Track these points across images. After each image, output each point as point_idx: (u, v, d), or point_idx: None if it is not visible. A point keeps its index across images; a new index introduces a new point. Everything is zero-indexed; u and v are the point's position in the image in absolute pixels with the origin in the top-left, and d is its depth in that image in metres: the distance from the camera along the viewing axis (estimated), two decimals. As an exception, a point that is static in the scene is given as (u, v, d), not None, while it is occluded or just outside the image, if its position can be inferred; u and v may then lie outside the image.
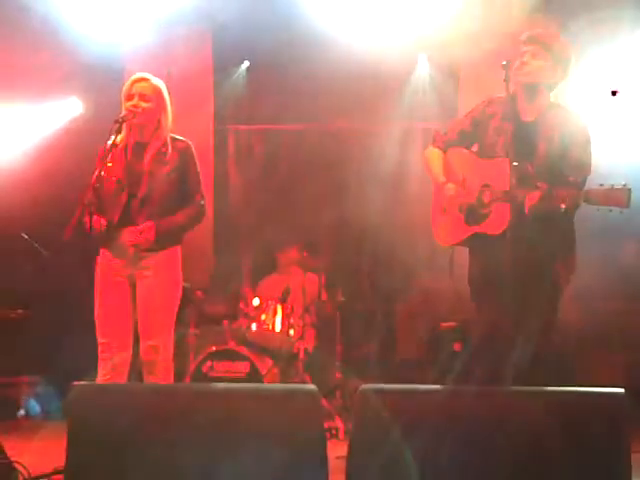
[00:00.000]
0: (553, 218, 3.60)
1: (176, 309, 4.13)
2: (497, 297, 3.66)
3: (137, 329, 4.05)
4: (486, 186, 3.74)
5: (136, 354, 4.06)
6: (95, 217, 3.89)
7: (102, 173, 3.88)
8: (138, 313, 4.03)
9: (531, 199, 3.53)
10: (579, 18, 6.14)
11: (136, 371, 4.12)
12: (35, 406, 6.17)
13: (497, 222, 3.64)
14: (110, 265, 4.03)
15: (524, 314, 3.57)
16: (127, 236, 3.98)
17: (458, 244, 3.92)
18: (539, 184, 3.57)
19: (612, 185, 3.40)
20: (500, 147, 3.78)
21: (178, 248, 4.13)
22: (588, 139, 3.77)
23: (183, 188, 4.10)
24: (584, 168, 3.71)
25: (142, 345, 4.01)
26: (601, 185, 3.42)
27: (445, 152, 4.01)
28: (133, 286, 4.05)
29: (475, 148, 3.96)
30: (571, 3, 6.30)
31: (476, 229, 3.77)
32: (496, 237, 3.63)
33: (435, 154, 4.04)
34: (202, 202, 4.15)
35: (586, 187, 3.50)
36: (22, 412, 6.14)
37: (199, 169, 4.18)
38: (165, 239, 4.00)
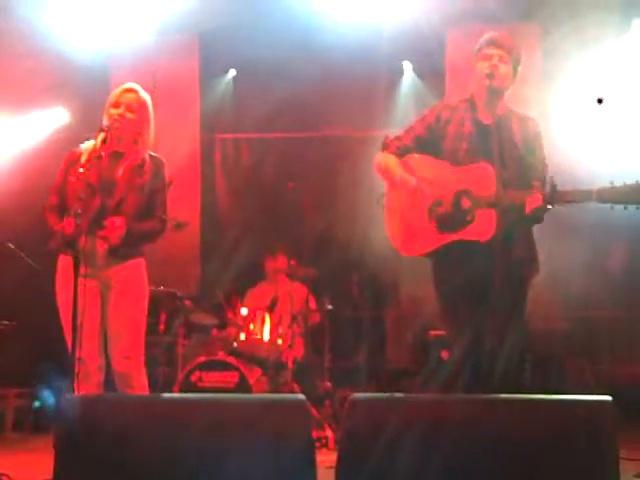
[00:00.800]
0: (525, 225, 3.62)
1: (144, 319, 4.12)
2: (477, 306, 3.65)
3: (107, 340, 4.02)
4: (463, 192, 3.68)
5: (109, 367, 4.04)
6: (66, 220, 3.80)
7: (71, 178, 3.87)
8: (108, 324, 4.01)
9: (534, 201, 3.50)
10: (563, 24, 6.18)
11: (110, 384, 4.07)
12: (50, 396, 6.10)
13: (482, 229, 3.58)
14: (74, 274, 3.79)
15: (501, 320, 3.56)
16: (96, 241, 3.94)
17: (427, 254, 3.78)
18: (536, 184, 3.57)
19: (624, 182, 3.40)
20: (464, 152, 3.73)
21: (141, 260, 4.14)
22: (542, 142, 3.79)
23: (150, 203, 4.11)
24: (544, 170, 3.72)
25: (115, 357, 3.99)
26: (612, 183, 3.42)
27: (401, 158, 3.87)
28: (102, 296, 4.02)
29: (430, 154, 3.85)
30: (555, 9, 6.33)
31: (455, 237, 3.67)
32: (477, 245, 3.58)
33: (391, 159, 3.88)
34: (164, 218, 4.18)
35: (596, 187, 3.47)
36: (37, 403, 6.08)
37: (167, 188, 4.21)
38: (132, 240, 3.98)
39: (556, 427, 2.62)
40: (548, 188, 3.51)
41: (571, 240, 5.26)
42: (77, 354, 3.90)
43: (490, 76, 3.69)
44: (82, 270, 3.90)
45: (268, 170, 7.61)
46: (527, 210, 3.51)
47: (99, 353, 4.00)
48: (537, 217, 3.63)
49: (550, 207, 3.51)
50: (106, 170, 4.03)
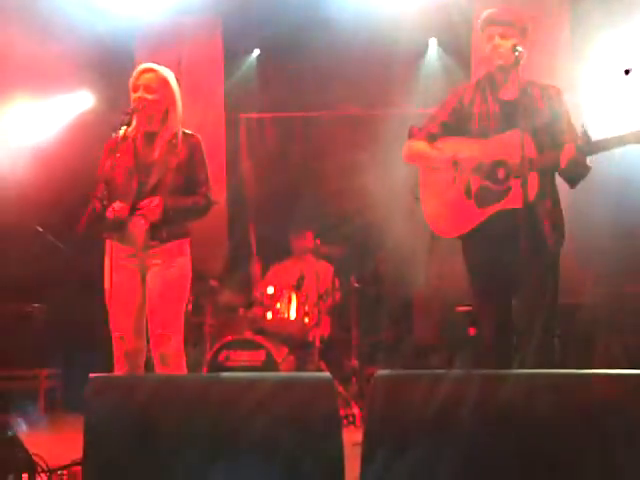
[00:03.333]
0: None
1: (186, 300, 4.14)
2: (508, 281, 3.64)
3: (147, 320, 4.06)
4: (498, 163, 3.68)
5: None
6: (109, 207, 3.92)
7: (113, 164, 3.90)
8: (147, 303, 4.03)
9: (567, 153, 3.52)
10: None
11: (150, 362, 4.12)
12: (22, 423, 6.15)
13: (520, 195, 3.54)
14: (119, 256, 4.02)
15: (533, 296, 3.55)
16: (138, 223, 3.98)
17: (469, 232, 3.78)
18: (568, 139, 3.58)
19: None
20: (494, 130, 3.75)
21: (187, 241, 4.12)
22: (568, 110, 3.79)
23: (191, 180, 4.09)
24: (574, 134, 3.68)
25: (153, 336, 4.02)
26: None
27: (432, 144, 3.89)
28: (143, 277, 4.05)
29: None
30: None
31: (497, 207, 3.68)
32: (518, 210, 3.55)
33: (420, 144, 3.91)
34: (208, 195, 4.13)
35: (600, 175, 3.48)
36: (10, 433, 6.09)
37: (207, 164, 4.17)
38: (171, 217, 3.98)
39: (587, 402, 2.60)
40: (581, 141, 3.50)
41: (600, 214, 5.21)
42: (118, 334, 3.98)
43: (495, 58, 3.72)
44: (125, 252, 3.98)
45: (293, 149, 7.60)
46: (562, 164, 3.52)
47: (140, 334, 4.04)
48: (576, 173, 3.60)
49: (586, 158, 3.49)
50: (142, 152, 4.06)
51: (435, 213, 3.90)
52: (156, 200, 3.95)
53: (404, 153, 3.99)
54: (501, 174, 3.69)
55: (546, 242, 3.64)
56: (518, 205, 3.55)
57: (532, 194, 3.56)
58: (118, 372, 3.98)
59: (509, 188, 3.65)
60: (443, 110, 3.92)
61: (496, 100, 3.80)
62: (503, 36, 3.73)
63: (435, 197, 3.89)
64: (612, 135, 3.51)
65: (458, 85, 5.73)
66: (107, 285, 4.02)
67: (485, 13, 3.81)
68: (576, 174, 3.66)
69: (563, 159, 3.53)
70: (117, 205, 3.94)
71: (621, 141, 3.46)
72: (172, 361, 4.01)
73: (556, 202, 3.75)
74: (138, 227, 3.99)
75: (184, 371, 4.12)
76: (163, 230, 4.00)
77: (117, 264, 4.00)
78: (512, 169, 3.63)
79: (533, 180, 3.57)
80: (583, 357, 5.74)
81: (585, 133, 3.51)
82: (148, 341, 4.06)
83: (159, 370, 4.01)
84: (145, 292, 4.04)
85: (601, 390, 2.61)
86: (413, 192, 3.98)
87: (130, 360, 3.99)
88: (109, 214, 3.92)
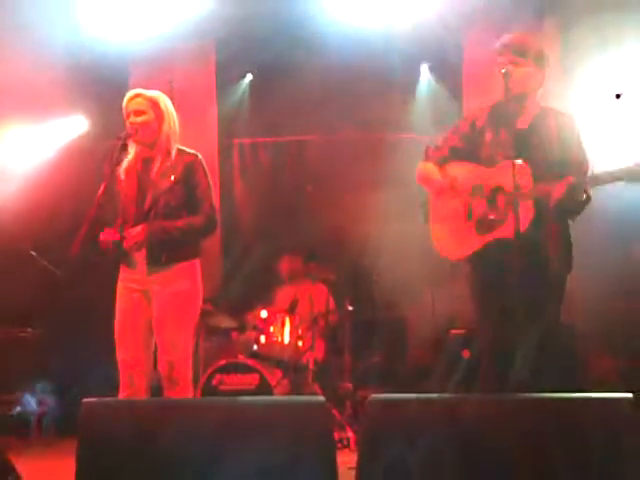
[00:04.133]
0: (560, 218, 3.61)
1: (194, 324, 4.09)
2: (505, 304, 3.65)
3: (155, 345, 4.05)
4: (498, 189, 3.70)
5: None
6: (103, 232, 3.92)
7: (113, 188, 3.94)
8: (154, 329, 4.01)
9: (558, 190, 3.50)
10: (583, 22, 6.15)
11: (156, 387, 4.11)
12: (31, 401, 6.13)
13: (515, 225, 3.56)
14: (126, 280, 4.04)
15: (532, 319, 3.55)
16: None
17: (470, 256, 3.82)
18: (565, 178, 3.55)
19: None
20: (502, 158, 3.74)
21: (193, 263, 4.08)
22: (580, 138, 3.78)
23: (191, 200, 4.06)
24: (583, 166, 3.71)
25: (160, 360, 4.01)
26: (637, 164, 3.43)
27: (441, 167, 3.92)
28: (149, 301, 4.03)
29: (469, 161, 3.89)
30: (575, 6, 6.31)
31: (490, 236, 3.71)
32: (510, 242, 3.56)
33: (430, 167, 3.94)
34: (211, 213, 4.08)
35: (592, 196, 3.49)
36: (18, 408, 6.08)
37: (210, 180, 4.15)
38: (171, 241, 3.96)
39: (576, 426, 2.60)
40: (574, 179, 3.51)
41: (591, 231, 5.23)
42: (122, 358, 3.98)
43: (505, 75, 3.67)
44: (130, 276, 3.99)
45: (286, 173, 7.63)
46: (551, 201, 3.50)
47: (144, 359, 4.02)
48: (568, 209, 3.61)
49: (580, 194, 3.51)
50: (142, 177, 4.06)
51: (442, 235, 3.92)
52: (138, 228, 3.93)
53: (417, 173, 4.02)
54: (500, 202, 3.69)
55: (546, 271, 3.63)
56: (509, 235, 3.57)
57: (524, 224, 3.54)
58: (122, 396, 3.96)
59: (506, 217, 3.66)
60: (454, 134, 3.94)
61: (508, 128, 3.77)
62: (515, 64, 3.71)
63: (441, 220, 3.92)
64: (603, 170, 3.53)
65: (451, 109, 5.78)
66: (117, 310, 4.04)
67: (503, 38, 3.79)
68: (568, 209, 3.66)
69: (553, 196, 3.52)
70: (107, 232, 3.94)
71: (613, 177, 3.46)
72: (179, 386, 3.98)
73: (561, 231, 3.74)
74: (136, 255, 4.00)
75: (191, 394, 4.10)
76: (162, 255, 3.98)
77: (124, 288, 4.04)
78: (510, 198, 3.63)
79: (528, 211, 3.57)
80: (575, 375, 5.73)
81: (579, 170, 3.56)
82: (156, 366, 4.05)
83: (167, 394, 3.99)
84: (151, 316, 4.03)
85: (589, 413, 2.62)
86: (422, 206, 4.00)
87: (134, 384, 3.97)
88: (101, 238, 3.91)
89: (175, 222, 4.00)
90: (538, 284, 3.58)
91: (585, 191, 3.56)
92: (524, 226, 3.54)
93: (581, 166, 3.70)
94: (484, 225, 3.74)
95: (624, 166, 3.44)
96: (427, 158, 3.99)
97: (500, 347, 3.69)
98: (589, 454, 2.55)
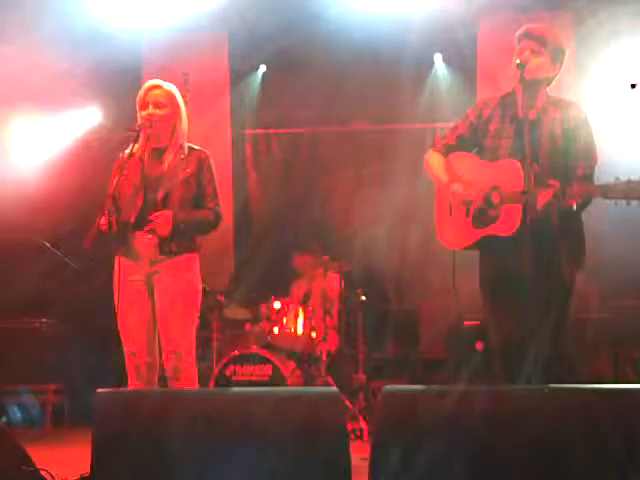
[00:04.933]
0: (564, 216, 3.58)
1: (197, 315, 4.12)
2: (509, 299, 3.66)
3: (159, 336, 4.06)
4: (494, 188, 3.70)
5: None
6: (112, 218, 3.94)
7: (120, 181, 3.92)
8: (158, 319, 4.02)
9: (543, 198, 3.50)
10: (598, 13, 6.12)
11: (162, 377, 4.12)
12: (17, 413, 6.15)
13: (508, 223, 3.61)
14: (127, 271, 4.03)
15: (537, 314, 3.55)
16: (145, 238, 3.98)
17: (467, 248, 3.84)
18: (551, 182, 3.54)
19: (629, 178, 3.36)
20: (504, 149, 3.73)
21: (195, 255, 4.11)
22: (590, 128, 3.73)
23: (199, 195, 4.10)
24: (591, 158, 3.68)
25: (164, 352, 4.01)
26: (617, 179, 3.38)
27: (446, 156, 3.94)
28: (151, 292, 4.04)
29: (474, 152, 3.89)
30: (590, -1, 6.29)
31: (486, 231, 3.72)
32: (507, 238, 3.60)
33: (436, 157, 3.96)
34: (217, 209, 4.13)
35: (603, 182, 3.45)
36: (4, 420, 6.04)
37: (216, 179, 4.17)
38: (181, 230, 3.98)
39: (592, 417, 2.60)
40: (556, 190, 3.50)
41: (606, 228, 5.21)
42: (128, 350, 3.99)
43: (520, 66, 3.64)
44: (132, 267, 3.99)
45: (299, 165, 7.64)
46: (538, 206, 3.50)
47: (150, 350, 4.03)
48: (561, 212, 3.59)
49: (563, 204, 3.50)
50: (149, 168, 4.07)
51: (442, 223, 3.95)
52: (167, 213, 3.96)
53: (424, 161, 4.04)
54: (495, 199, 3.70)
55: (550, 268, 3.61)
56: (502, 233, 3.61)
57: (515, 225, 3.56)
58: (131, 387, 3.97)
59: (499, 214, 3.66)
60: (462, 122, 3.94)
61: (513, 119, 3.75)
62: (534, 51, 3.69)
63: (443, 209, 3.94)
64: (593, 184, 3.52)
65: (465, 100, 5.75)
66: (116, 301, 4.02)
67: (526, 26, 3.77)
68: (563, 214, 3.60)
69: (539, 202, 3.50)
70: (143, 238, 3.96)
71: (605, 191, 3.44)
72: (184, 376, 3.99)
73: (567, 229, 3.68)
74: (145, 242, 3.99)
75: (196, 386, 4.10)
76: (172, 243, 4.00)
77: (125, 280, 4.02)
78: (505, 197, 3.64)
79: (517, 212, 3.56)
80: (591, 371, 5.73)
81: (568, 177, 3.55)
82: (161, 356, 4.06)
83: (172, 385, 4.00)
84: (154, 307, 4.04)
85: (607, 405, 2.61)
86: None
87: (142, 375, 3.99)
88: (102, 226, 3.88)
89: (195, 212, 4.06)
90: (541, 280, 3.56)
91: (576, 197, 3.51)
92: (515, 227, 3.56)
93: (589, 159, 3.68)
94: (481, 219, 3.75)
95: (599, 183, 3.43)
96: (434, 146, 4.01)
97: (509, 340, 3.69)
98: (606, 446, 2.54)
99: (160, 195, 4.01)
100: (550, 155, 3.66)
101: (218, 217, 4.14)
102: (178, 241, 4.01)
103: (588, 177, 3.64)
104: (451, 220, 3.89)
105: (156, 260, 4.00)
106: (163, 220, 3.94)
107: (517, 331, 3.64)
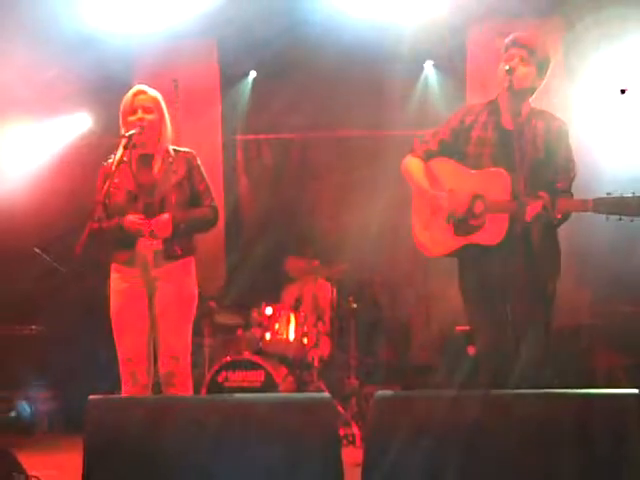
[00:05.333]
0: (546, 227, 3.60)
1: (192, 319, 4.11)
2: (490, 306, 3.68)
3: (155, 341, 4.04)
4: (478, 197, 3.69)
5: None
6: (125, 219, 3.94)
7: (110, 187, 3.89)
8: (156, 324, 4.01)
9: (534, 208, 3.50)
10: (586, 17, 6.14)
11: (156, 383, 4.12)
12: (26, 408, 6.13)
13: (492, 233, 3.61)
14: (124, 277, 4.02)
15: (519, 322, 3.58)
16: (143, 244, 3.97)
17: (447, 255, 3.83)
18: (541, 194, 3.55)
19: (621, 194, 3.39)
20: (486, 157, 3.73)
21: (192, 259, 4.12)
22: (569, 141, 3.75)
23: (194, 195, 4.12)
24: (570, 172, 3.71)
25: (161, 356, 4.01)
26: (608, 194, 3.41)
27: (426, 162, 3.91)
28: (150, 298, 4.03)
29: (455, 158, 3.87)
30: (578, 2, 6.30)
31: (468, 240, 3.72)
32: (490, 247, 3.62)
33: (415, 163, 3.93)
34: (213, 204, 4.15)
35: (594, 196, 3.47)
36: (13, 413, 6.08)
37: (207, 177, 4.19)
38: (181, 231, 3.99)
39: (581, 421, 2.61)
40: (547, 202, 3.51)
41: (597, 235, 5.23)
42: (124, 356, 3.98)
43: (509, 72, 3.66)
44: (130, 274, 3.98)
45: (289, 170, 7.64)
46: (527, 217, 3.51)
47: (147, 356, 4.02)
48: (545, 225, 3.61)
49: (554, 215, 3.51)
50: (140, 174, 4.07)
51: (420, 229, 3.92)
52: (165, 215, 3.96)
53: (402, 167, 4.01)
54: (478, 208, 3.70)
55: (528, 275, 3.62)
56: (486, 242, 3.63)
57: (500, 235, 3.58)
58: (126, 393, 3.96)
59: (483, 223, 3.67)
60: (445, 128, 3.91)
61: (496, 127, 3.76)
62: (522, 60, 3.69)
63: (422, 214, 3.91)
64: (578, 198, 3.55)
65: (454, 107, 5.76)
66: (113, 308, 4.02)
67: (515, 34, 3.77)
68: (545, 225, 3.63)
69: (529, 213, 3.51)
70: (132, 217, 3.94)
71: (584, 206, 3.47)
72: (179, 382, 3.99)
73: (544, 237, 3.68)
74: (147, 247, 3.99)
75: (190, 392, 4.09)
76: (176, 246, 4.00)
77: (122, 286, 4.01)
78: (489, 206, 3.65)
79: (504, 221, 3.58)
80: (583, 377, 5.74)
81: (556, 189, 3.57)
82: (156, 362, 4.05)
83: (166, 391, 4.00)
84: (152, 313, 4.03)
85: (596, 409, 2.62)
86: None
87: (138, 381, 3.97)
88: (127, 224, 3.90)
89: (193, 211, 4.08)
90: (519, 288, 3.57)
91: (566, 210, 3.54)
92: (500, 236, 3.58)
93: (568, 173, 3.70)
94: (462, 228, 3.74)
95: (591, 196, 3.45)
96: (412, 151, 3.97)
97: (492, 346, 3.70)
98: (595, 450, 2.55)
99: (157, 200, 4.01)
100: (533, 166, 3.64)
101: (216, 213, 4.17)
102: (181, 243, 4.01)
103: (566, 190, 3.67)
104: (430, 227, 3.86)
105: (157, 265, 3.99)
106: (163, 222, 3.94)
107: (498, 338, 3.66)
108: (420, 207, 3.92)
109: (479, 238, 3.68)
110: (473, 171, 3.76)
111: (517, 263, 3.51)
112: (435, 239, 3.84)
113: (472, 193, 3.71)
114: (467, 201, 3.72)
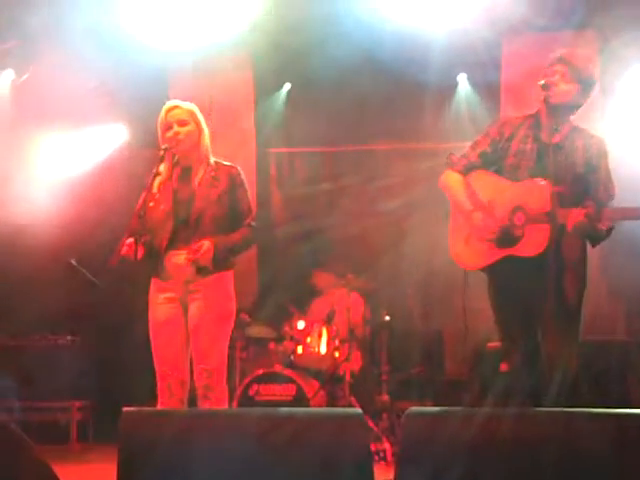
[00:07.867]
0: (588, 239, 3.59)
1: (229, 333, 4.12)
2: (525, 322, 3.65)
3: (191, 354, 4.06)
4: (518, 208, 3.69)
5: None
6: (140, 246, 3.93)
7: (149, 203, 3.93)
8: (190, 337, 4.03)
9: (576, 216, 3.49)
10: (622, 34, 6.10)
11: (192, 396, 4.14)
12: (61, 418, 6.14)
13: (532, 244, 3.60)
14: (160, 292, 4.05)
15: (556, 335, 3.55)
16: (179, 259, 3.98)
17: (484, 267, 3.82)
18: (587, 203, 3.53)
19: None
20: (524, 169, 3.73)
21: (230, 273, 4.11)
22: (607, 163, 3.74)
23: (234, 212, 4.10)
24: (609, 190, 3.70)
25: (195, 369, 4.02)
26: None
27: (465, 175, 3.90)
28: (185, 311, 4.05)
29: (493, 170, 3.88)
30: (615, 19, 6.25)
31: (508, 251, 3.69)
32: (527, 260, 3.60)
33: (455, 178, 3.92)
34: (253, 224, 4.15)
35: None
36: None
37: (249, 193, 4.20)
38: (221, 258, 3.99)
39: (612, 441, 2.58)
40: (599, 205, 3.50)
41: (632, 252, 5.18)
42: (161, 369, 4.01)
43: (544, 87, 3.66)
44: (167, 288, 4.02)
45: (323, 183, 7.65)
46: (569, 226, 3.49)
47: (183, 369, 4.04)
48: (587, 236, 3.59)
49: (596, 224, 3.49)
50: (180, 189, 4.07)
51: (457, 242, 3.92)
52: (207, 244, 3.93)
53: (440, 181, 4.01)
54: (519, 220, 3.68)
55: (562, 289, 3.60)
56: (526, 254, 3.61)
57: (542, 246, 3.55)
58: (162, 406, 3.98)
59: (522, 235, 3.65)
60: (485, 139, 3.91)
61: (536, 140, 3.76)
62: (563, 77, 3.69)
63: (459, 227, 3.91)
64: (628, 206, 3.51)
65: (488, 120, 5.75)
66: (151, 321, 4.06)
67: (559, 51, 3.76)
68: (587, 237, 3.63)
69: (570, 222, 3.50)
70: (175, 259, 3.97)
71: (634, 214, 3.45)
72: (214, 395, 4.00)
73: (577, 249, 3.71)
74: (183, 265, 3.98)
75: (226, 405, 4.11)
76: (208, 268, 3.99)
77: (160, 299, 4.04)
78: (530, 217, 3.63)
79: (545, 232, 3.56)
80: (616, 394, 5.67)
81: (600, 201, 3.55)
82: (191, 375, 4.07)
83: (202, 404, 4.01)
84: (187, 326, 4.04)
85: (633, 429, 2.59)
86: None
87: (174, 394, 4.00)
88: (123, 251, 3.87)
89: (232, 236, 4.06)
90: (553, 302, 3.55)
91: (609, 220, 3.52)
92: (541, 247, 3.56)
93: (608, 190, 3.69)
94: (503, 240, 3.72)
95: None
96: (450, 166, 3.96)
97: (526, 362, 3.68)
98: (631, 470, 2.52)
99: (193, 215, 4.01)
100: (572, 181, 3.65)
101: (255, 233, 4.16)
102: (215, 264, 3.99)
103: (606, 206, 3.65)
104: (469, 240, 3.85)
105: (192, 279, 4.01)
106: (205, 251, 3.92)
107: (532, 355, 3.64)
108: (458, 221, 3.92)
109: (519, 250, 3.65)
110: (511, 183, 3.75)
111: (551, 277, 3.49)
112: (474, 252, 3.82)
113: (512, 205, 3.70)
114: (508, 213, 3.71)
